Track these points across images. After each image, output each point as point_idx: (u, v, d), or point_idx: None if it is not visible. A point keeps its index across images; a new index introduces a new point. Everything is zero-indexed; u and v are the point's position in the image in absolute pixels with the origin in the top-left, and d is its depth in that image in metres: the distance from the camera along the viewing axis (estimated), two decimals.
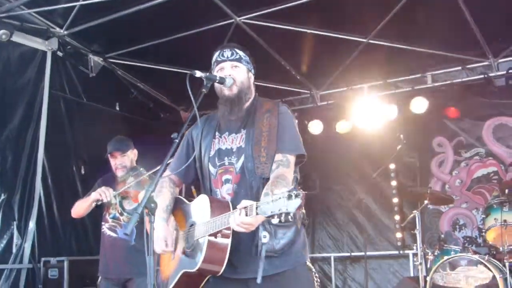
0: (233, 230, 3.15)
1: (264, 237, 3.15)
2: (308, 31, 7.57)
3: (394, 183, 8.98)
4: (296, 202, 2.69)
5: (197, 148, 3.62)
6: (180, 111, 9.67)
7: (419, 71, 8.60)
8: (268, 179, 3.27)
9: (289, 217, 2.71)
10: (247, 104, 3.60)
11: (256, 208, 2.88)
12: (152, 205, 2.98)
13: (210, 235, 3.20)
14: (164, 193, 3.61)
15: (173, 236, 3.48)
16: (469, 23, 7.18)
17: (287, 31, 7.49)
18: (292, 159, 3.40)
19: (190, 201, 3.59)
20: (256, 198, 3.05)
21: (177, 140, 3.21)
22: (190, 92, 3.28)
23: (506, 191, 7.04)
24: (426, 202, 7.19)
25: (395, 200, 8.93)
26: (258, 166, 3.33)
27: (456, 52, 8.05)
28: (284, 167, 3.33)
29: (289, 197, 2.70)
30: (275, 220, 2.76)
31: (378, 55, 7.97)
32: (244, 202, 3.00)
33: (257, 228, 3.14)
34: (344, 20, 7.35)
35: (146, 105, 9.13)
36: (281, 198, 2.72)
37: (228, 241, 3.22)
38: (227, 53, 3.57)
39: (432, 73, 8.59)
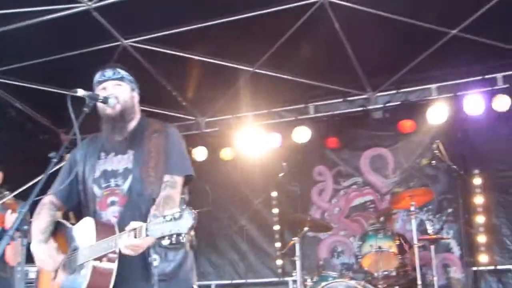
0: (120, 254, 3.07)
1: (155, 260, 3.11)
2: (196, 57, 7.60)
3: (275, 210, 9.10)
4: (188, 222, 2.67)
5: (81, 169, 3.52)
6: (60, 133, 9.32)
7: (302, 102, 8.84)
8: (152, 200, 3.22)
9: (181, 238, 2.68)
10: (133, 124, 3.56)
11: (146, 229, 2.82)
12: (25, 227, 2.83)
13: (94, 259, 3.09)
14: (42, 215, 3.47)
15: (55, 255, 3.32)
16: (350, 58, 7.51)
17: (174, 57, 7.48)
18: (179, 180, 3.39)
19: (73, 224, 3.45)
20: (145, 220, 2.98)
21: (55, 160, 3.09)
22: (71, 112, 3.19)
23: (381, 218, 7.36)
24: (306, 229, 7.31)
25: (276, 227, 9.04)
26: (146, 187, 3.29)
27: (338, 84, 8.38)
28: (171, 188, 3.31)
29: (180, 217, 2.67)
30: (165, 242, 2.71)
31: (263, 84, 8.13)
32: (133, 224, 2.95)
33: (147, 251, 3.09)
34: (231, 49, 7.44)
35: (24, 126, 8.73)
36: (172, 219, 2.69)
37: (113, 266, 3.11)
38: (109, 72, 3.53)
39: (314, 104, 8.86)
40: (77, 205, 3.59)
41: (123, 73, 3.57)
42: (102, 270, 3.10)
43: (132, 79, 3.62)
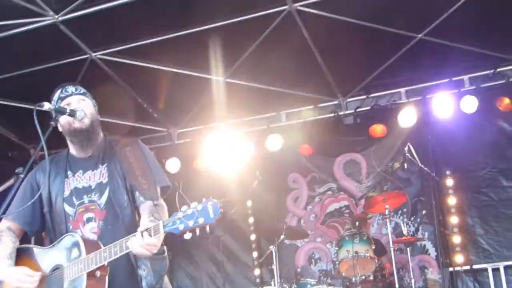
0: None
1: (144, 270, 3.14)
2: (166, 68, 7.56)
3: (251, 219, 9.07)
4: (215, 211, 2.75)
5: (45, 191, 3.45)
6: (30, 149, 9.19)
7: (274, 110, 8.86)
8: (154, 205, 3.22)
9: (207, 229, 2.78)
10: (99, 141, 3.53)
11: (165, 225, 2.85)
12: None
13: (88, 273, 3.05)
14: (4, 241, 3.40)
15: (32, 274, 3.22)
16: (320, 65, 7.55)
17: (144, 68, 7.44)
18: (159, 190, 3.39)
19: (45, 246, 3.40)
20: (129, 231, 3.03)
21: (22, 175, 3.05)
22: (37, 126, 3.14)
23: (357, 223, 7.38)
24: (282, 237, 7.32)
25: (253, 236, 9.01)
26: (144, 193, 3.28)
27: (308, 91, 8.41)
28: (159, 198, 3.33)
29: (204, 208, 2.76)
30: (187, 236, 2.81)
31: (234, 93, 8.13)
32: (145, 224, 2.98)
33: (136, 262, 3.14)
34: (201, 59, 7.42)
35: None
36: (194, 212, 2.76)
37: (106, 277, 3.10)
38: (71, 88, 3.50)
39: (286, 111, 8.89)
40: (39, 229, 3.52)
41: (84, 89, 3.56)
42: (97, 283, 3.07)
43: (92, 97, 3.60)
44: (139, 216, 3.32)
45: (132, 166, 3.37)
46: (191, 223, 2.75)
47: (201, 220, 2.75)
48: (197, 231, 2.78)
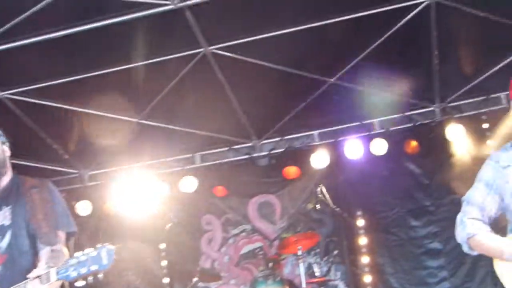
0: None
1: None
2: (77, 109, 7.41)
3: (164, 262, 8.89)
4: (109, 257, 2.67)
5: None
6: None
7: (189, 151, 8.83)
8: (51, 251, 3.10)
9: (99, 276, 2.68)
10: (5, 180, 3.39)
11: (57, 273, 2.74)
12: None
13: None
14: None
15: None
16: (235, 107, 7.62)
17: (55, 109, 7.28)
18: (63, 235, 3.30)
19: None
20: (25, 278, 2.88)
21: None
22: None
23: (270, 265, 7.39)
24: (195, 280, 7.23)
25: (166, 280, 8.81)
26: (42, 237, 3.17)
27: (223, 133, 8.45)
28: (58, 243, 3.21)
29: (98, 254, 2.67)
30: (80, 283, 2.68)
31: (149, 135, 8.06)
32: (37, 271, 2.87)
33: None
34: (114, 100, 7.31)
35: None
36: (87, 259, 2.67)
37: None
38: None
39: (201, 153, 8.88)
40: None
41: None
42: None
43: (1, 133, 3.47)
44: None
45: (35, 209, 3.25)
46: (83, 270, 2.67)
47: (94, 267, 2.68)
48: (90, 278, 2.70)
